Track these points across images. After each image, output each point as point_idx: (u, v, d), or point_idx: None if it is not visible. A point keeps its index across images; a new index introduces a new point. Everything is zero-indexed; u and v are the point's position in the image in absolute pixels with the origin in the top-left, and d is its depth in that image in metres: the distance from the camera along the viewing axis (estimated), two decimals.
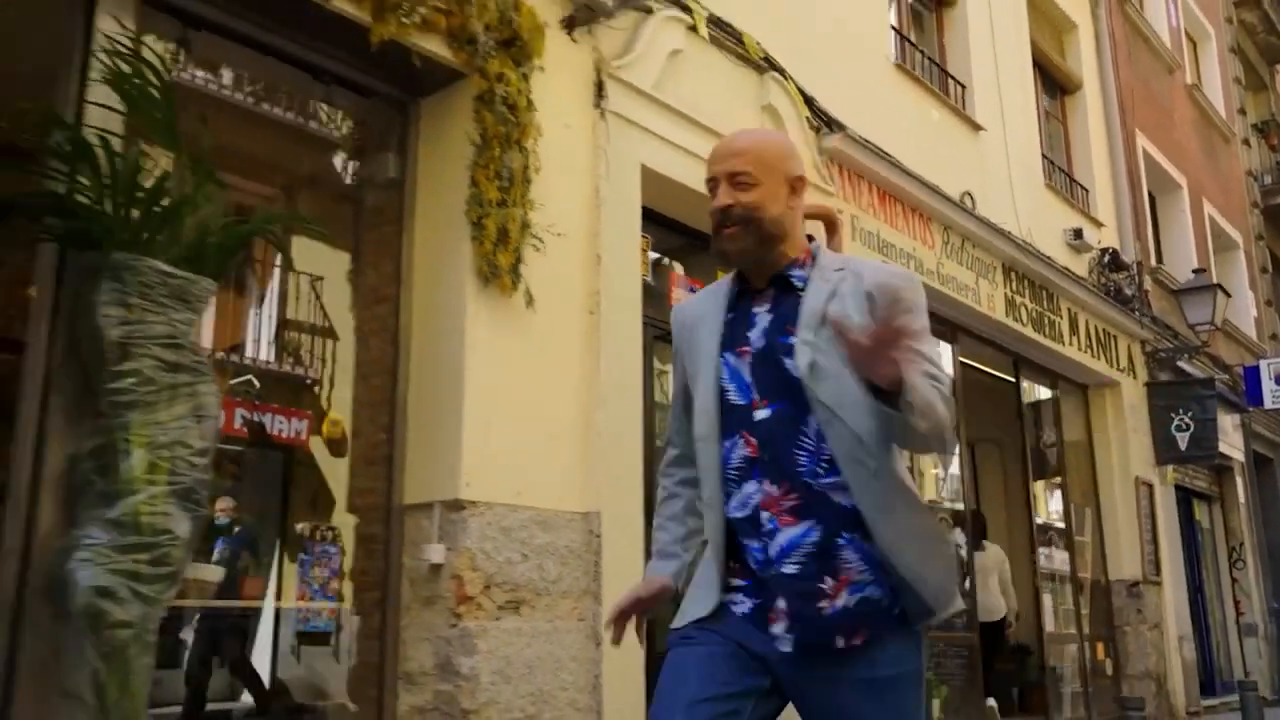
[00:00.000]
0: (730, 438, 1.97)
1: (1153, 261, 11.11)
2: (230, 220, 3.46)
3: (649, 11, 5.12)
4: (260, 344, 5.30)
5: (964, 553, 7.74)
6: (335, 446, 4.75)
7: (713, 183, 2.03)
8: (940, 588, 1.90)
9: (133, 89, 3.29)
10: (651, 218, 5.13)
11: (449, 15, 4.13)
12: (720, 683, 1.86)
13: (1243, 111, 16.16)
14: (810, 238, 2.08)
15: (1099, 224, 10.08)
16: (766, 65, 5.87)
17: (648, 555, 2.26)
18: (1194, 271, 10.81)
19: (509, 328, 4.23)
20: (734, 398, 1.98)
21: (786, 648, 1.86)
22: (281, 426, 5.05)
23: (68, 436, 3.17)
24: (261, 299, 5.37)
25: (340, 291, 4.74)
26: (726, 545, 1.98)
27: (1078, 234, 9.32)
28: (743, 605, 1.93)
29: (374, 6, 3.93)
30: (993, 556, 8.24)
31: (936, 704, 6.38)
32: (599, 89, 4.83)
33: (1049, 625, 8.88)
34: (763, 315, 2.01)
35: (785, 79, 5.98)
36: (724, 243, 2.01)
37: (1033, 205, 8.90)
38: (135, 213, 3.20)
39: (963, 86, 8.39)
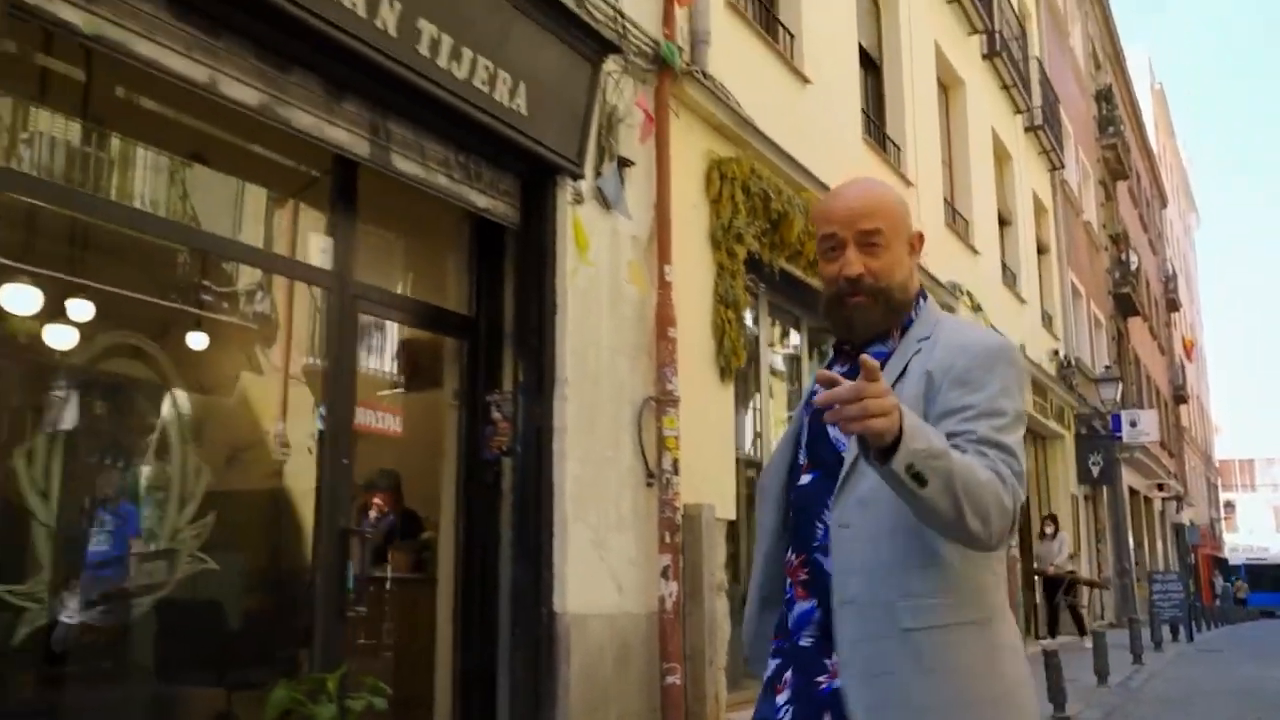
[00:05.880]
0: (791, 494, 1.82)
1: (1075, 354, 17.79)
2: None
3: None
4: None
5: None
6: None
7: (832, 240, 1.76)
8: None
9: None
10: None
11: None
12: None
13: (1104, 226, 23.35)
14: (920, 294, 1.81)
15: (1057, 338, 16.60)
16: None
17: None
18: (1105, 367, 17.59)
19: None
20: (801, 457, 1.81)
21: (786, 718, 1.70)
22: None
23: None
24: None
25: None
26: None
27: (1055, 353, 15.77)
28: (769, 669, 1.79)
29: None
30: None
31: None
32: None
33: None
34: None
35: None
36: (849, 311, 1.76)
37: (1038, 336, 15.24)
38: None
39: (1014, 274, 14.54)
